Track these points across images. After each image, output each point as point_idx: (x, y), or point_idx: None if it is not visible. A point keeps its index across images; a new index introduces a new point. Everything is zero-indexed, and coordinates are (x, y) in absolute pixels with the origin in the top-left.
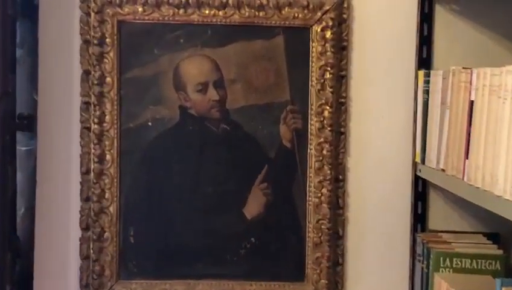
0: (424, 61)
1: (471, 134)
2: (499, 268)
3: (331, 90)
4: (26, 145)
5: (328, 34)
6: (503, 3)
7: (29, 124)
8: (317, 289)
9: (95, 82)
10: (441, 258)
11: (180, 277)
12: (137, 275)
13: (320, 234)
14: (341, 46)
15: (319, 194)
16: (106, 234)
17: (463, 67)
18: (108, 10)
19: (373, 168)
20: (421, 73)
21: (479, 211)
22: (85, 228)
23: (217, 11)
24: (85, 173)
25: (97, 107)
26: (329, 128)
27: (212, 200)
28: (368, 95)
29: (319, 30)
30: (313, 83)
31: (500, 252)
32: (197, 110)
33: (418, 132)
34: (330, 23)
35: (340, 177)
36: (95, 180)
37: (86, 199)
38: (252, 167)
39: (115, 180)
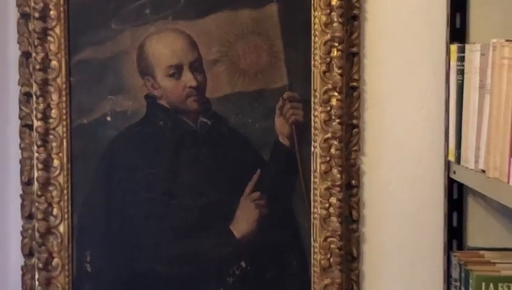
0: (458, 32)
1: None
2: None
3: (339, 71)
4: None
5: (335, 0)
6: None
7: None
8: None
9: (37, 67)
10: (483, 284)
11: None
12: None
13: (329, 256)
14: (351, 15)
15: (327, 205)
16: (55, 261)
17: (506, 40)
18: None
19: (395, 171)
20: (454, 48)
21: None
22: (28, 254)
23: None
24: (27, 183)
25: (40, 99)
26: (338, 121)
27: (190, 215)
28: (386, 78)
29: None
30: (316, 63)
31: None
32: (169, 100)
33: (451, 123)
34: None
35: (353, 182)
36: (39, 193)
37: (28, 217)
38: (241, 171)
39: (65, 191)
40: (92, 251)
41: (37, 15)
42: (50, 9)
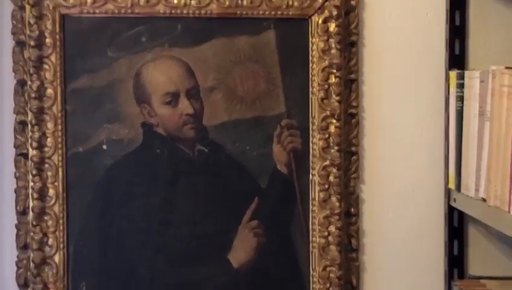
0: (457, 59)
1: None
2: None
3: (337, 98)
4: None
5: (332, 27)
6: None
7: None
8: None
9: (33, 95)
10: None
11: None
12: None
13: (328, 285)
14: (349, 42)
15: (326, 233)
16: None
17: (506, 67)
18: (48, 2)
19: (394, 199)
20: (453, 74)
21: None
22: (23, 285)
23: (188, 0)
24: (22, 213)
25: (36, 128)
26: (336, 148)
27: (187, 244)
28: (384, 104)
29: (320, 21)
30: (314, 89)
31: None
32: (166, 128)
33: (450, 150)
34: (335, 13)
35: (353, 210)
36: (34, 223)
37: (23, 247)
38: (239, 200)
39: (61, 221)
40: (88, 282)
41: (32, 43)
42: (46, 37)
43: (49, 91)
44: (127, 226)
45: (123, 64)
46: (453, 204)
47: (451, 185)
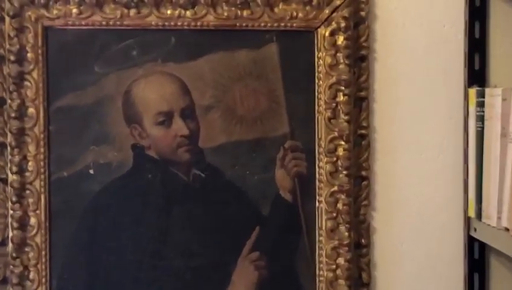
0: (477, 75)
1: None
2: None
3: (346, 118)
4: None
5: (341, 40)
6: None
7: None
8: None
9: (13, 115)
10: None
11: None
12: None
13: None
14: (359, 56)
15: (334, 266)
16: None
17: None
18: (29, 13)
19: (408, 228)
20: (472, 92)
21: None
22: None
23: (183, 11)
24: (0, 244)
25: (16, 150)
26: (345, 173)
27: (182, 279)
28: (398, 125)
29: (327, 34)
30: (321, 108)
31: None
32: (159, 150)
33: (470, 175)
34: (343, 24)
35: (363, 241)
36: (14, 254)
37: (2, 281)
38: (238, 229)
39: (43, 253)
40: None
41: (12, 58)
42: (27, 52)
43: (31, 110)
44: (116, 258)
45: (112, 81)
46: (473, 234)
47: (471, 213)
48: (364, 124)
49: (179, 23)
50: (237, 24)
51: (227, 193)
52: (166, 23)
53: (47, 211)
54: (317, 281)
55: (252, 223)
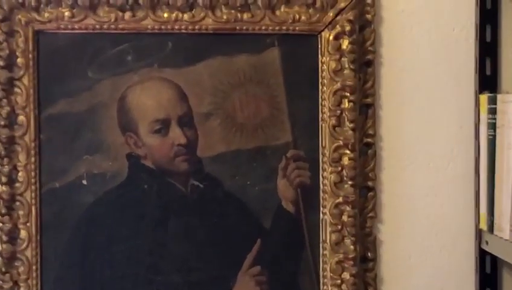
0: (488, 80)
1: None
2: None
3: (351, 126)
4: None
5: (345, 44)
6: None
7: None
8: None
9: (2, 123)
10: None
11: None
12: None
13: None
14: (365, 61)
15: (339, 281)
16: None
17: None
18: (19, 16)
19: (417, 241)
20: (484, 98)
21: None
22: None
23: (180, 14)
24: None
25: (5, 160)
26: (350, 183)
27: None
28: (405, 133)
29: (331, 38)
30: (325, 116)
31: None
32: (155, 160)
33: (481, 185)
34: (347, 28)
35: (369, 255)
36: (4, 269)
37: None
38: (238, 242)
39: (34, 268)
40: None
41: (2, 63)
42: (17, 57)
43: (21, 118)
44: (111, 273)
45: (106, 87)
46: (484, 247)
47: (483, 226)
48: (370, 132)
49: (176, 27)
50: (237, 28)
51: (227, 204)
52: (162, 27)
53: (38, 223)
54: None
55: (252, 235)
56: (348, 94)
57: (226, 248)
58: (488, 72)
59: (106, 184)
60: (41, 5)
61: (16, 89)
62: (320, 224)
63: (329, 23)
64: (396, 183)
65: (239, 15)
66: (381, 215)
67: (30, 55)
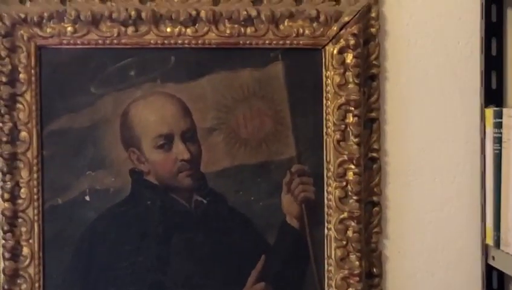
0: (494, 94)
1: None
2: None
3: (356, 140)
4: None
5: (350, 58)
6: None
7: None
8: None
9: (4, 139)
10: None
11: None
12: None
13: None
14: (369, 75)
15: None
16: None
17: None
18: (21, 32)
19: (422, 257)
20: (490, 112)
21: None
22: None
23: (183, 29)
24: None
25: (8, 176)
26: (355, 198)
27: None
28: (410, 147)
29: (335, 52)
30: (329, 130)
31: None
32: (158, 175)
33: (487, 200)
34: (352, 42)
35: (375, 271)
36: (6, 286)
37: None
38: (243, 258)
39: (37, 285)
40: None
41: (4, 79)
42: (19, 72)
43: (23, 134)
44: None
45: (108, 103)
46: (491, 263)
47: (489, 241)
48: (375, 146)
49: (179, 42)
50: (240, 42)
51: (231, 220)
52: (165, 42)
53: (40, 240)
54: None
55: (257, 251)
56: (353, 108)
57: (230, 264)
58: (493, 86)
59: (109, 200)
60: (44, 21)
61: (18, 105)
62: (325, 239)
63: (334, 37)
64: (402, 198)
65: (242, 29)
66: (386, 231)
67: (32, 71)
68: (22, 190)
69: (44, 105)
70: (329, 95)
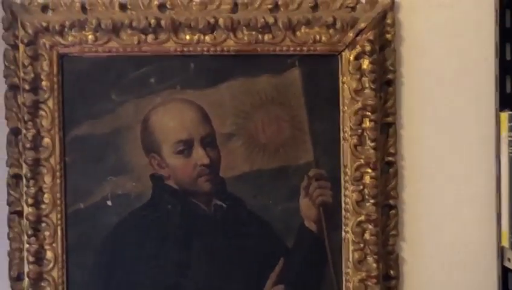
0: (508, 98)
1: None
2: None
3: (373, 145)
4: None
5: (366, 64)
6: None
7: None
8: None
9: (28, 145)
10: None
11: None
12: None
13: None
14: (385, 80)
15: None
16: None
17: None
18: (44, 40)
19: (439, 259)
20: (504, 116)
21: None
22: None
23: (202, 36)
24: (16, 279)
25: (31, 182)
26: (372, 201)
27: None
28: (426, 151)
29: (351, 58)
30: (346, 135)
31: None
32: (178, 180)
33: (503, 202)
34: (368, 48)
35: (392, 273)
36: (30, 289)
37: None
38: (261, 262)
39: (60, 288)
40: None
41: (27, 87)
42: (42, 80)
43: (46, 140)
44: None
45: (129, 109)
46: (507, 265)
47: (505, 243)
48: (391, 150)
49: (198, 49)
50: (258, 49)
51: (250, 223)
52: (184, 49)
53: (64, 244)
54: None
55: (275, 255)
56: (369, 113)
57: (249, 268)
58: (508, 90)
59: (130, 205)
60: (65, 29)
61: (41, 112)
62: (343, 242)
63: (350, 43)
64: (418, 201)
65: (260, 36)
66: (403, 234)
67: (55, 79)
68: (45, 195)
69: (66, 112)
70: (346, 101)
